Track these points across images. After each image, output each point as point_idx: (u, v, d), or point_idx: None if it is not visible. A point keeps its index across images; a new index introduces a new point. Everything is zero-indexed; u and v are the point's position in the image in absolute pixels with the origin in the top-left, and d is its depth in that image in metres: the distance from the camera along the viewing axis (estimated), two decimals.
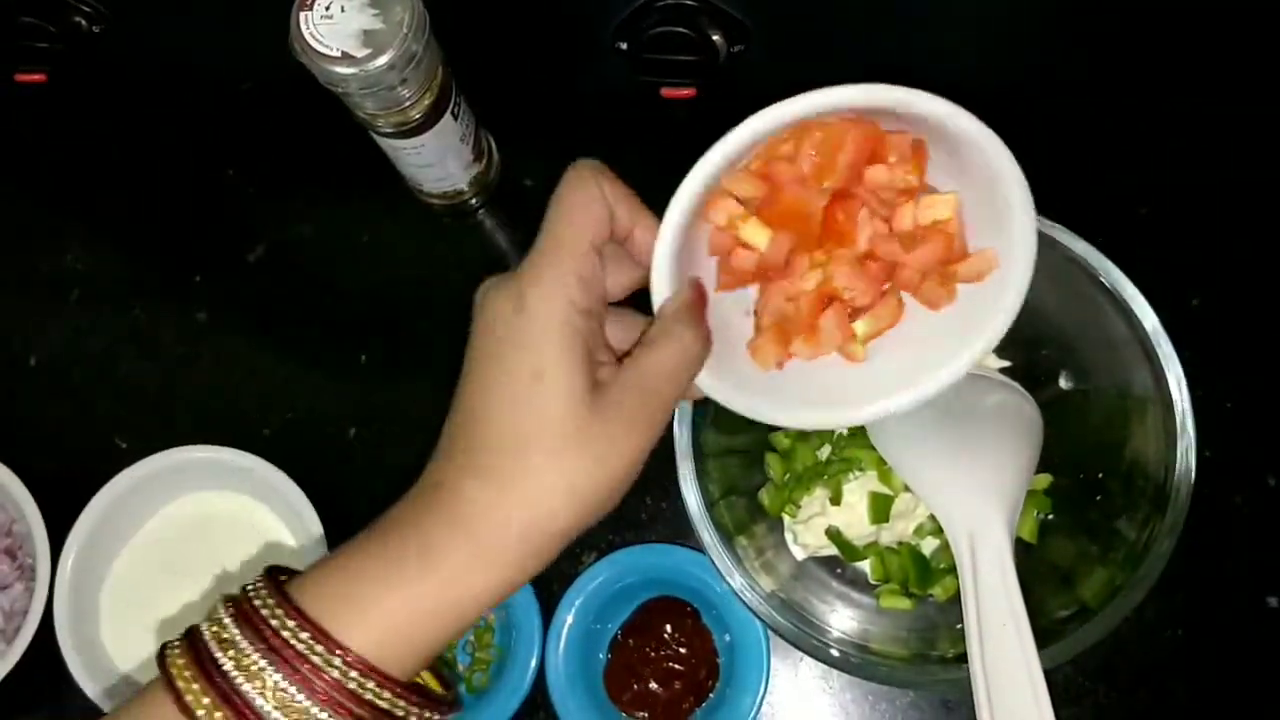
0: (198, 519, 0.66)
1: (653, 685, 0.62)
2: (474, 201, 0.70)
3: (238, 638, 0.35)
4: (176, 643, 0.36)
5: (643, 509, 0.66)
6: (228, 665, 0.34)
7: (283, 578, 0.37)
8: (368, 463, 0.68)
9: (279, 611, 0.35)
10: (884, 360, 0.43)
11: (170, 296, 0.72)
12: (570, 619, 0.61)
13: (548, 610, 0.61)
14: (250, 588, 0.36)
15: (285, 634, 0.34)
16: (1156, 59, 0.64)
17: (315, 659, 0.34)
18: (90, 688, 0.61)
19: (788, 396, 0.42)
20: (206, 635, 0.35)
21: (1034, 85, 0.68)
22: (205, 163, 0.74)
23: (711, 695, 0.62)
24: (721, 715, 0.60)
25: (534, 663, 0.60)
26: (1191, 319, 0.66)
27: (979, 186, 0.40)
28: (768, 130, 0.38)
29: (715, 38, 0.61)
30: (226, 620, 0.35)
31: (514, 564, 0.36)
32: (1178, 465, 0.52)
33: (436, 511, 0.36)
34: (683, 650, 0.62)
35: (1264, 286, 0.66)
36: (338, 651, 0.34)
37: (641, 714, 0.61)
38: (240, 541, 0.66)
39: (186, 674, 0.34)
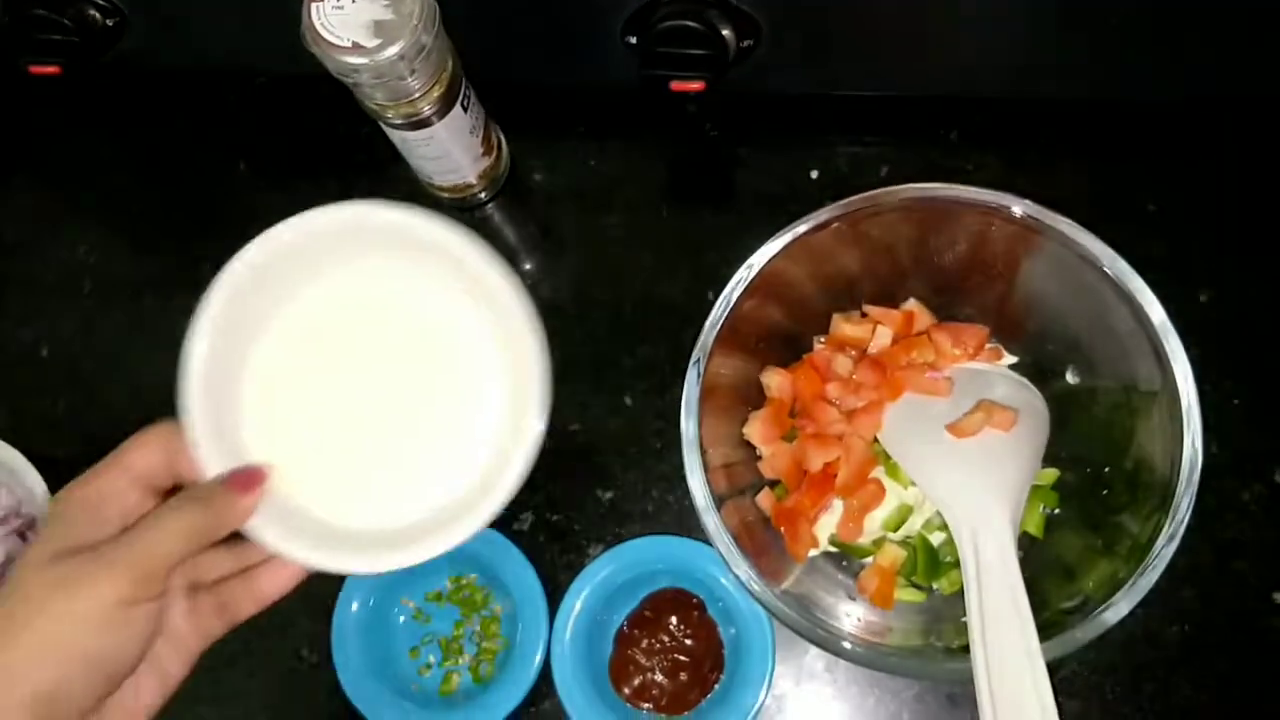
0: (357, 299, 0.48)
1: (658, 677, 0.62)
2: (483, 195, 0.71)
3: None
4: None
5: (649, 501, 0.66)
6: None
7: None
8: None
9: None
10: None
11: (181, 287, 0.71)
12: (576, 610, 0.61)
13: (554, 601, 0.62)
14: None
15: None
16: (1166, 53, 0.64)
17: None
18: None
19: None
20: None
21: (1043, 81, 0.67)
22: (217, 155, 0.75)
23: (716, 687, 0.62)
24: (726, 708, 0.60)
25: (540, 654, 0.61)
26: (1200, 315, 0.65)
27: None
28: None
29: (725, 32, 0.62)
30: None
31: None
32: (1184, 460, 0.51)
33: None
34: (689, 642, 0.62)
35: (1273, 283, 0.66)
36: None
37: (646, 705, 0.61)
38: (405, 327, 0.48)
39: None
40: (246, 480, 0.44)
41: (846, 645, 0.53)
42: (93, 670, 0.38)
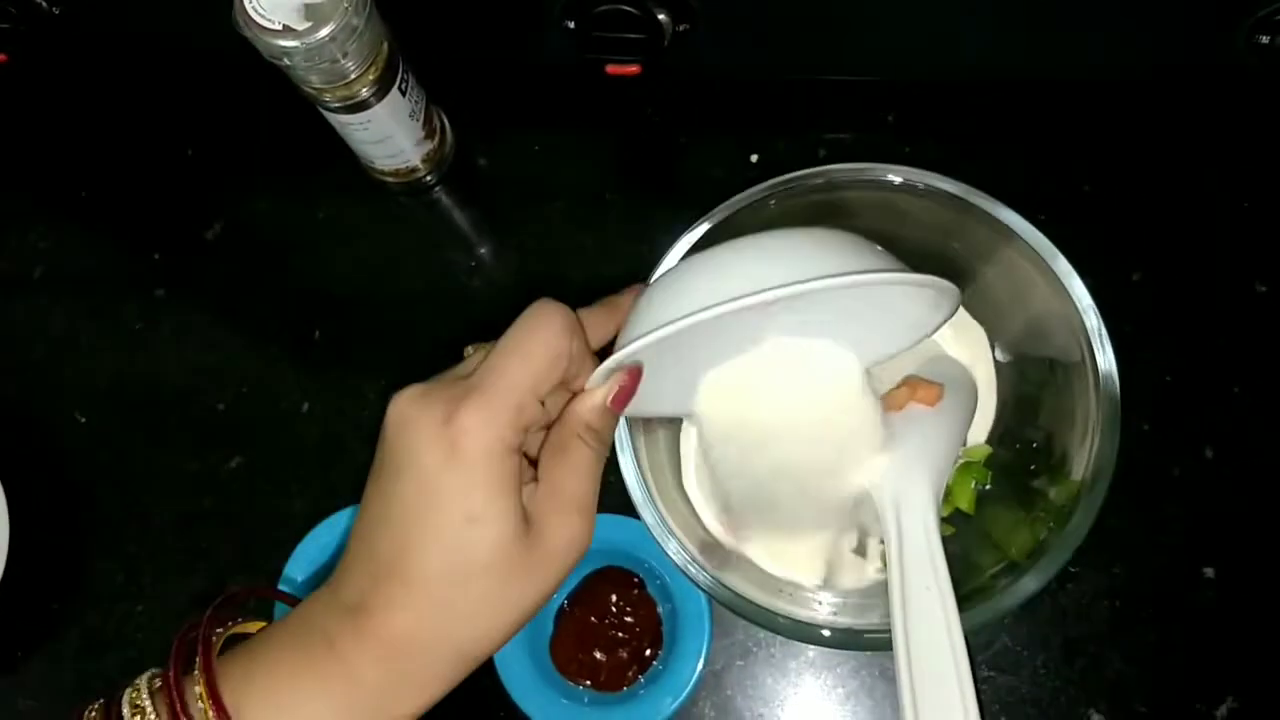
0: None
1: (597, 654, 0.62)
2: (429, 179, 0.71)
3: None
4: (94, 710, 0.36)
5: None
6: None
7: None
8: (319, 438, 0.68)
9: (203, 705, 0.35)
10: None
11: (130, 274, 0.73)
12: None
13: None
14: (187, 668, 0.36)
15: None
16: (1100, 37, 0.65)
17: None
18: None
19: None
20: (125, 709, 0.35)
21: (978, 65, 0.68)
22: (165, 142, 0.75)
23: (655, 664, 0.62)
24: (664, 683, 0.61)
25: None
26: (1132, 293, 0.66)
27: None
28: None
29: (661, 17, 0.62)
30: (146, 700, 0.36)
31: (444, 686, 0.38)
32: (1100, 432, 0.52)
33: (367, 640, 0.36)
34: (628, 619, 0.63)
35: (1204, 262, 0.67)
36: None
37: (586, 682, 0.62)
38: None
39: None
40: (624, 398, 0.42)
41: (780, 620, 0.54)
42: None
